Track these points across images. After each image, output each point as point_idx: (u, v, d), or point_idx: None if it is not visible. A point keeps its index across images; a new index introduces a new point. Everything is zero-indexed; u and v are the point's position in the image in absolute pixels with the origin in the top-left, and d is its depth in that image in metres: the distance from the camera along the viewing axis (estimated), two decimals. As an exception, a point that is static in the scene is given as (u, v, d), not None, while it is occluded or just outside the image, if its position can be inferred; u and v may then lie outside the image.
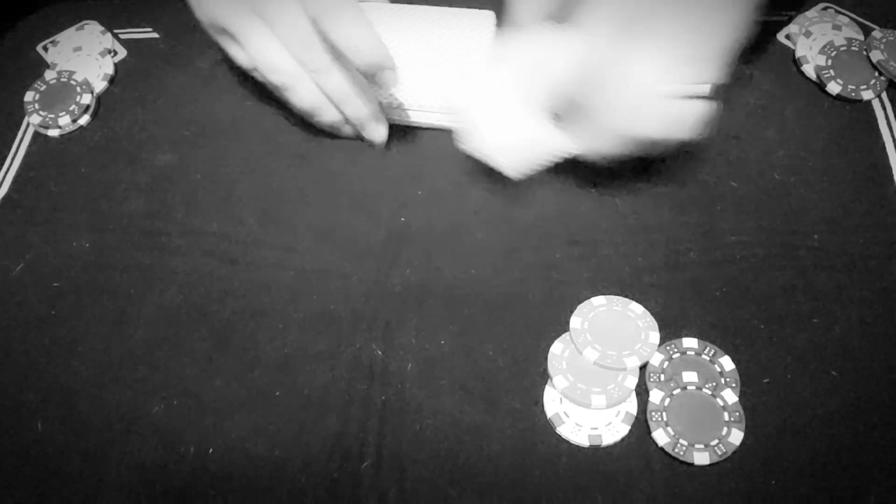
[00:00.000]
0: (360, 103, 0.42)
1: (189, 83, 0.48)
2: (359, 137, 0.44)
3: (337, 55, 0.40)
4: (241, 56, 0.42)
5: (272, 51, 0.40)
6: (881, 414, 0.35)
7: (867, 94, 0.44)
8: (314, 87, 0.41)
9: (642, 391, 0.36)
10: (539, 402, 0.36)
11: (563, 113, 0.39)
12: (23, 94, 0.47)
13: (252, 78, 0.47)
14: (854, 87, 0.44)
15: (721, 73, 0.37)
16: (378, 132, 0.43)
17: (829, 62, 0.44)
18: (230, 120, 0.46)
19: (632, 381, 0.36)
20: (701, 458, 0.33)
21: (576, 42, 0.37)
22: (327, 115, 0.42)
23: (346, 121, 0.43)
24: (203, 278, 0.40)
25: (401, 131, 0.44)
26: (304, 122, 0.45)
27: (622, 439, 0.35)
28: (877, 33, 0.45)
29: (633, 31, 0.36)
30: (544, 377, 0.36)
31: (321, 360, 0.37)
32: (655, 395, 0.35)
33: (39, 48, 0.50)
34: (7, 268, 0.41)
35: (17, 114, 0.47)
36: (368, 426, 0.35)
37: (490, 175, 0.43)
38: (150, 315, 0.39)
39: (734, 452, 0.34)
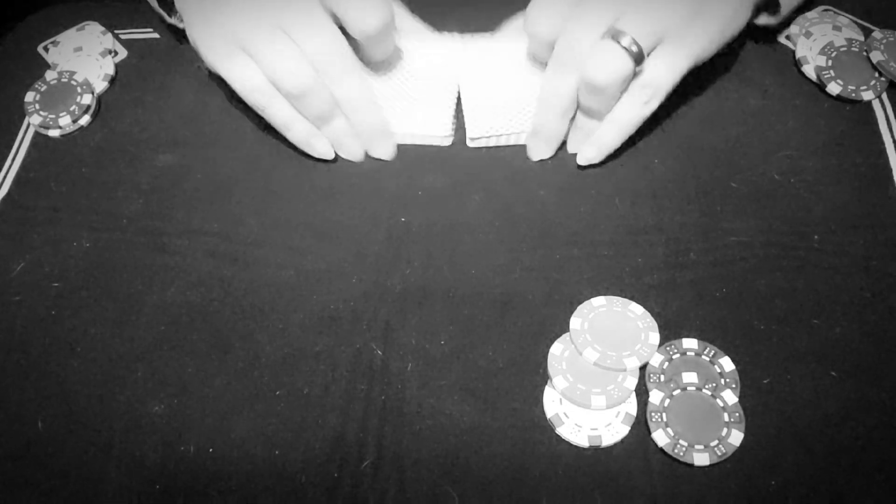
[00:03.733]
0: (371, 113, 0.42)
1: (189, 83, 0.48)
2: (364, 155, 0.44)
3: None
4: (246, 79, 0.40)
5: (289, 59, 0.39)
6: (881, 414, 0.35)
7: (867, 95, 0.44)
8: (327, 95, 0.41)
9: (642, 392, 0.36)
10: (539, 403, 0.36)
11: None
12: (23, 95, 0.47)
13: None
14: (854, 88, 0.44)
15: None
16: (385, 147, 0.43)
17: (830, 63, 0.44)
18: (230, 120, 0.46)
19: (632, 382, 0.36)
20: (701, 458, 0.33)
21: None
22: (336, 122, 0.42)
23: (351, 134, 0.43)
24: (203, 278, 0.40)
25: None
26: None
27: (622, 440, 0.35)
28: (877, 34, 0.45)
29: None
30: (544, 378, 0.36)
31: (321, 360, 0.37)
32: (655, 396, 0.35)
33: (40, 48, 0.50)
34: (7, 268, 0.41)
35: (17, 114, 0.47)
36: (368, 426, 0.35)
37: (490, 175, 0.43)
38: (150, 315, 0.39)
39: (734, 453, 0.34)
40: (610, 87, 0.38)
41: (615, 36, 0.37)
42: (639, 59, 0.37)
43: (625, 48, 0.37)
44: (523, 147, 0.43)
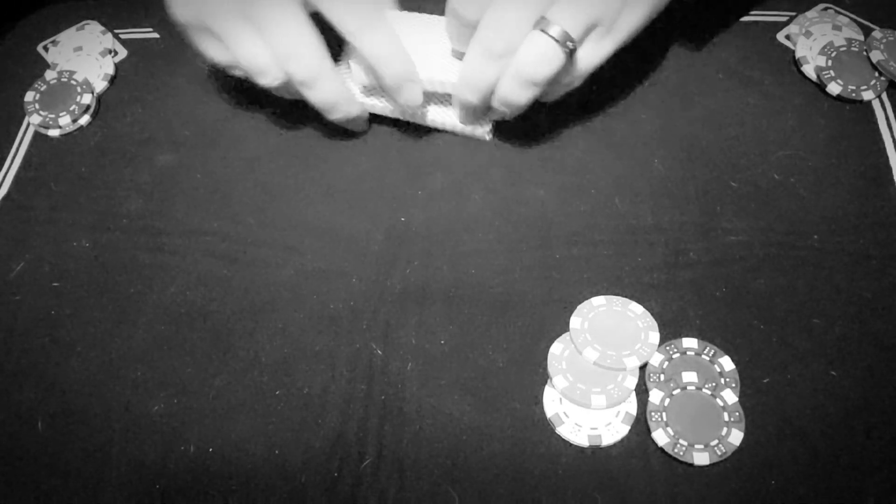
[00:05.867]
0: (342, 111, 0.41)
1: (189, 83, 0.48)
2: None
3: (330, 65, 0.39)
4: (218, 55, 0.40)
5: (260, 56, 0.39)
6: (881, 414, 0.35)
7: (867, 95, 0.44)
8: (294, 87, 0.40)
9: (642, 391, 0.36)
10: (539, 402, 0.36)
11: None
12: (23, 94, 0.47)
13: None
14: (854, 88, 0.44)
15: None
16: (360, 126, 0.44)
17: (830, 62, 0.44)
18: (230, 120, 0.46)
19: (631, 382, 0.36)
20: (701, 458, 0.33)
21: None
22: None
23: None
24: (203, 278, 0.40)
25: (400, 132, 0.44)
26: (304, 123, 0.45)
27: (622, 439, 0.35)
28: (877, 34, 0.45)
29: None
30: (544, 377, 0.36)
31: (321, 359, 0.37)
32: (655, 396, 0.35)
33: (40, 48, 0.50)
34: (7, 268, 0.41)
35: (17, 114, 0.47)
36: (368, 426, 0.35)
37: (490, 175, 0.43)
38: (150, 315, 0.39)
39: (734, 452, 0.34)
40: (543, 81, 0.37)
41: (546, 27, 0.36)
42: (572, 52, 0.37)
43: (558, 42, 0.36)
44: (523, 147, 0.43)
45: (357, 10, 0.38)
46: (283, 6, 0.38)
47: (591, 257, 0.40)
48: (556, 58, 0.36)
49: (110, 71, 0.48)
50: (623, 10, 0.37)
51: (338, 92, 0.40)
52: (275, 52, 0.38)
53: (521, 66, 0.37)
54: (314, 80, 0.39)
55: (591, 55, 0.38)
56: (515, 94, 0.38)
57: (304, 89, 0.40)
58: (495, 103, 0.40)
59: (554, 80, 0.38)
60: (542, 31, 0.36)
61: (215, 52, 0.41)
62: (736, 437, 0.34)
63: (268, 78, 0.40)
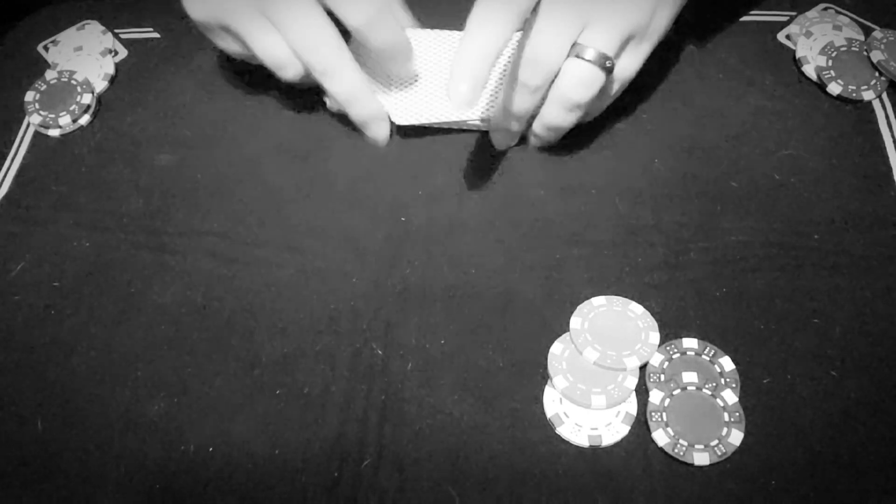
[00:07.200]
0: (362, 105, 0.41)
1: (189, 83, 0.48)
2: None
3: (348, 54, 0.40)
4: (236, 50, 0.42)
5: (280, 51, 0.39)
6: (881, 414, 0.35)
7: (868, 95, 0.44)
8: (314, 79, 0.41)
9: (642, 391, 0.36)
10: (539, 403, 0.36)
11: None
12: (23, 94, 0.47)
13: (252, 78, 0.47)
14: (855, 88, 0.44)
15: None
16: (380, 130, 0.42)
17: (830, 62, 0.44)
18: (230, 120, 0.46)
19: (632, 382, 0.36)
20: (701, 458, 0.33)
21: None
22: (335, 105, 0.43)
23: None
24: (203, 278, 0.40)
25: (400, 132, 0.44)
26: (304, 122, 0.45)
27: (622, 439, 0.35)
28: (877, 33, 0.45)
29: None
30: (544, 377, 0.36)
31: (321, 359, 0.37)
32: (655, 396, 0.35)
33: (40, 48, 0.50)
34: (7, 268, 0.41)
35: (17, 114, 0.47)
36: (368, 426, 0.35)
37: (490, 175, 0.43)
38: (150, 315, 0.39)
39: (734, 453, 0.34)
40: (587, 103, 0.39)
41: (582, 53, 0.36)
42: (611, 69, 0.37)
43: (595, 64, 0.37)
44: (523, 147, 0.43)
45: (363, 4, 0.38)
46: (296, 1, 0.38)
47: (591, 257, 0.40)
48: (596, 79, 0.37)
49: (110, 71, 0.48)
50: (654, 15, 0.38)
51: (358, 83, 0.40)
52: (293, 45, 0.39)
53: (564, 93, 0.38)
54: (334, 70, 0.39)
55: (629, 64, 0.39)
56: (561, 118, 0.40)
57: (324, 80, 0.40)
58: (539, 129, 0.41)
59: (601, 95, 0.39)
60: (579, 56, 0.37)
61: (233, 48, 0.42)
62: (736, 437, 0.34)
63: (288, 71, 0.40)
